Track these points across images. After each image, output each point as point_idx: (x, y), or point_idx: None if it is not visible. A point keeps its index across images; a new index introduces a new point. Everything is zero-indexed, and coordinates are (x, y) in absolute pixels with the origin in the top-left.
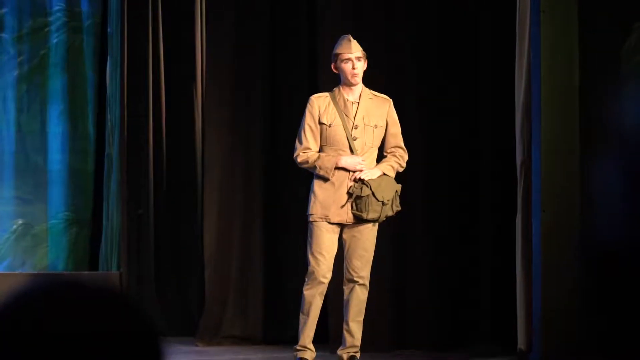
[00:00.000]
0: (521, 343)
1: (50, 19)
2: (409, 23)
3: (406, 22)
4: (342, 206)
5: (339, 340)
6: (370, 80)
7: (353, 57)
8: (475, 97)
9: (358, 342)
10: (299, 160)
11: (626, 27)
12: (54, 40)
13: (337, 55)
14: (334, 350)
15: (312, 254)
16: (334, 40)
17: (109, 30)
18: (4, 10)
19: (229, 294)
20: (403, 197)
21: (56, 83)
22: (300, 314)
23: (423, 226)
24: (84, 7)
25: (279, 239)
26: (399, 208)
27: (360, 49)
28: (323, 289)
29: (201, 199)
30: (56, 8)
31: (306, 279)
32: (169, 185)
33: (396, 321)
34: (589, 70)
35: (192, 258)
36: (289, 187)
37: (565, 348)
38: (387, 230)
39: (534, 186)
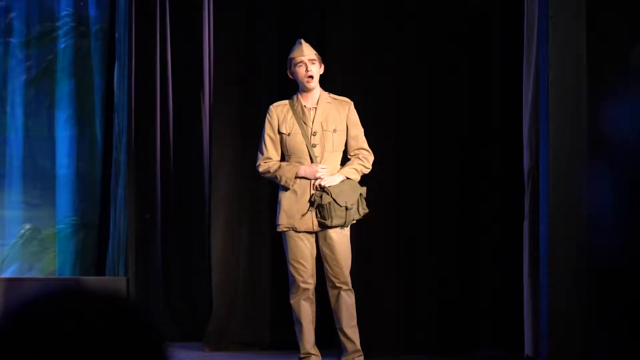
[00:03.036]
0: (528, 349)
1: (58, 23)
2: (418, 28)
3: (415, 27)
4: (304, 215)
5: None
6: (379, 82)
7: (306, 59)
8: (483, 104)
9: (358, 346)
10: (260, 170)
11: (635, 32)
12: (62, 45)
13: (291, 60)
14: (339, 354)
15: (290, 263)
16: (343, 47)
17: (116, 35)
18: (12, 15)
19: (236, 299)
20: (410, 202)
21: (64, 88)
22: (295, 324)
23: (429, 232)
24: (92, 12)
25: None
26: (366, 210)
27: (314, 52)
28: (308, 294)
29: (208, 203)
30: (64, 13)
31: (290, 288)
32: (176, 190)
33: (401, 326)
34: (597, 76)
35: (199, 263)
36: None
37: (572, 354)
38: (393, 234)
39: (542, 193)
